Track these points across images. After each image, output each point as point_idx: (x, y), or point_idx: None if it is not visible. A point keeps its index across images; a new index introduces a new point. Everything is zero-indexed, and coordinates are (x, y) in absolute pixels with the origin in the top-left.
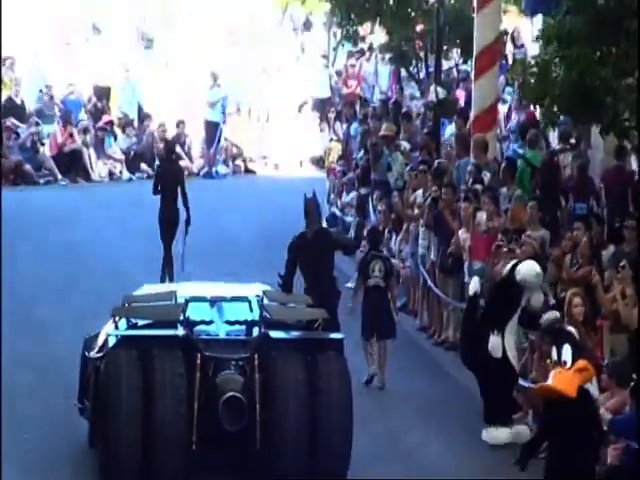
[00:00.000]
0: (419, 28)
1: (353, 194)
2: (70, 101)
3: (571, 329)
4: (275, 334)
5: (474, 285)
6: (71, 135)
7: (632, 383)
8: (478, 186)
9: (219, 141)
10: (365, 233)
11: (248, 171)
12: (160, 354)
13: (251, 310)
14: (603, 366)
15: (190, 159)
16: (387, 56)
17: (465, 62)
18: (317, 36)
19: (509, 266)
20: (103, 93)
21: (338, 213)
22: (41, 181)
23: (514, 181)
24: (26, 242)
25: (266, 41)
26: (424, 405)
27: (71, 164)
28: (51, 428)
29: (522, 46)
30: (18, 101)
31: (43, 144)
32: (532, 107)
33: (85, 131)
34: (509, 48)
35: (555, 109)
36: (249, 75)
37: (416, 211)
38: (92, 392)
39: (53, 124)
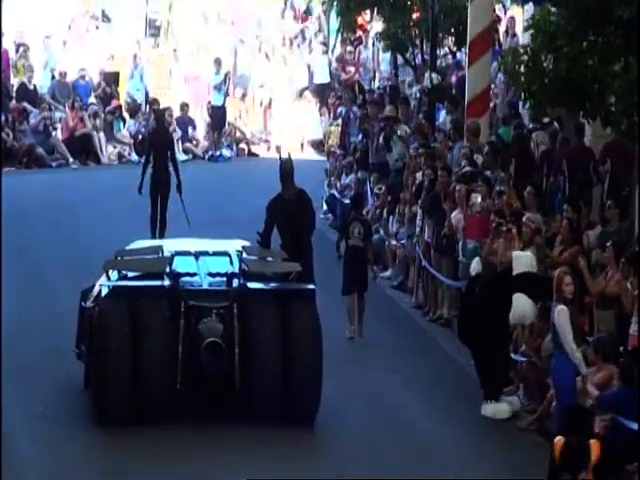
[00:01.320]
0: (415, 16)
1: (352, 177)
2: (80, 86)
3: None
4: (253, 285)
5: (475, 266)
6: (82, 119)
7: (619, 359)
8: (468, 169)
9: (223, 125)
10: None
11: (251, 154)
12: (148, 303)
13: (231, 263)
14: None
15: (195, 143)
16: (384, 43)
17: (459, 49)
18: (317, 24)
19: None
20: (112, 79)
21: (337, 195)
22: (53, 164)
23: (499, 165)
24: (40, 220)
25: (268, 29)
26: (418, 378)
27: (82, 148)
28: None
29: (515, 35)
30: (31, 86)
31: (55, 128)
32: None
33: (95, 116)
34: (503, 35)
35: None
36: (252, 62)
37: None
38: (87, 338)
39: (65, 109)
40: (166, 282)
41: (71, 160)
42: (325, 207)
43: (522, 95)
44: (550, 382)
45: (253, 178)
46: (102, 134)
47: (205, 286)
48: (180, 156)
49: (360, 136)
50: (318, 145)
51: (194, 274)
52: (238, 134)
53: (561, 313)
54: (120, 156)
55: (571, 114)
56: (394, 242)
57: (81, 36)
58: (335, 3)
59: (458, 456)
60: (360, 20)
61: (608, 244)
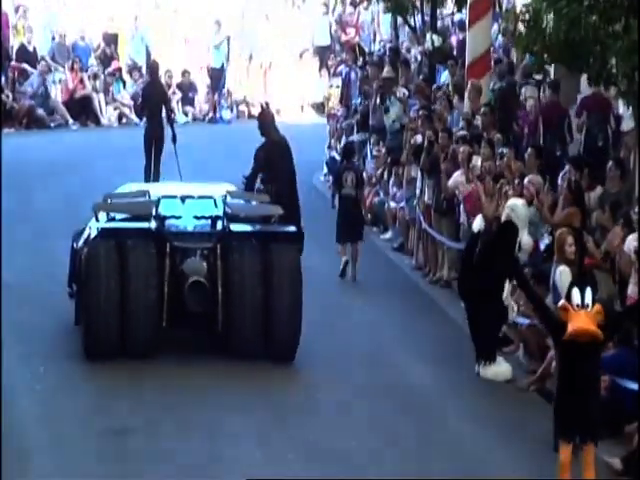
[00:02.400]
0: None
1: (353, 138)
2: (80, 48)
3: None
4: (236, 227)
5: (478, 223)
6: (81, 81)
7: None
8: (463, 132)
9: (223, 87)
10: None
11: (251, 116)
12: (134, 244)
13: (216, 207)
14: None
15: (195, 105)
16: (384, 5)
17: (459, 10)
18: None
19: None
20: (112, 40)
21: (337, 157)
22: (52, 125)
23: (495, 126)
24: (40, 178)
25: None
26: (414, 334)
27: (82, 109)
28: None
29: None
30: (30, 48)
31: (54, 89)
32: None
33: (95, 77)
34: None
35: (545, 57)
36: (252, 23)
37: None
38: (77, 277)
39: (64, 70)
40: (152, 224)
41: (71, 121)
42: (325, 169)
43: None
44: (550, 343)
45: (252, 140)
46: (102, 95)
47: (190, 228)
48: (180, 118)
49: (360, 98)
50: (319, 107)
51: (179, 217)
52: (238, 97)
53: (563, 274)
54: (120, 117)
55: (571, 74)
56: (394, 204)
57: None
58: None
59: (453, 411)
60: None
61: (607, 206)
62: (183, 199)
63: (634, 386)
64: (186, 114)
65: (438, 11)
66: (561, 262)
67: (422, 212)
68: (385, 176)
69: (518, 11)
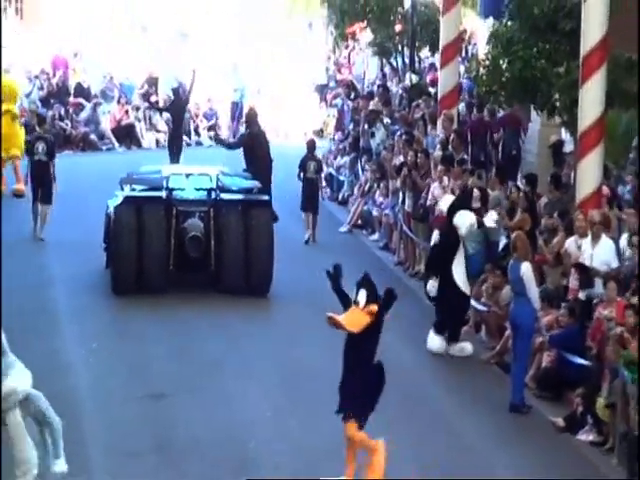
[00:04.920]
0: (397, 28)
1: (346, 158)
2: (125, 85)
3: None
4: (225, 196)
5: (435, 236)
6: (126, 112)
7: (562, 304)
8: (440, 153)
9: (240, 116)
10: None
11: None
12: (149, 208)
13: (211, 181)
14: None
15: (218, 131)
16: (372, 50)
17: (433, 55)
18: (318, 35)
19: (445, 206)
20: (152, 81)
21: (334, 173)
22: (103, 148)
23: (462, 147)
24: (93, 187)
25: (279, 39)
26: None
27: (126, 135)
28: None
29: (475, 44)
30: (85, 85)
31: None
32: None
33: (137, 109)
34: (466, 44)
35: (501, 95)
36: (265, 65)
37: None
38: (108, 234)
39: (112, 103)
40: (163, 194)
41: (117, 145)
42: (324, 183)
43: (484, 93)
44: (507, 324)
45: None
46: (142, 124)
47: (191, 197)
48: (205, 141)
49: (352, 125)
50: (318, 132)
51: (183, 189)
52: None
53: (529, 269)
54: (157, 141)
55: (523, 107)
56: (380, 211)
57: (124, 44)
58: (332, 17)
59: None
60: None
61: (555, 214)
62: (187, 176)
63: (576, 360)
64: (211, 138)
65: (416, 55)
66: (521, 259)
67: (403, 218)
68: (373, 188)
69: (480, 57)
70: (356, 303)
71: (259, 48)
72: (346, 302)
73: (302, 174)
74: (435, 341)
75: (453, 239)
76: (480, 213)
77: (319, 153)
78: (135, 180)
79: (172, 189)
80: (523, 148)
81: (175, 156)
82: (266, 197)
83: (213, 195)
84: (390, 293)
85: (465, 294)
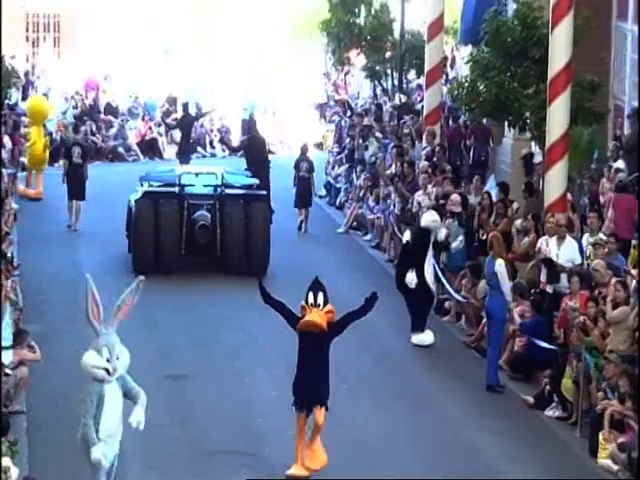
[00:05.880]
0: (387, 54)
1: (343, 168)
2: (149, 104)
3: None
4: (229, 191)
5: (406, 236)
6: (150, 128)
7: (531, 297)
8: (426, 163)
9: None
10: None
11: (270, 152)
12: (164, 202)
13: (217, 179)
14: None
15: (229, 142)
16: (366, 73)
17: (419, 77)
18: (318, 59)
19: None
20: (172, 100)
21: (332, 181)
22: (129, 159)
23: (445, 158)
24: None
25: (284, 63)
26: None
27: (150, 148)
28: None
29: (456, 68)
30: (114, 105)
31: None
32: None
33: (159, 125)
34: (448, 67)
35: (479, 113)
36: (271, 86)
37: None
38: (129, 224)
39: (138, 120)
40: (176, 189)
41: (142, 156)
42: (324, 190)
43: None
44: (484, 314)
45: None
46: (164, 138)
47: (200, 192)
48: (219, 153)
49: (348, 139)
50: (318, 145)
51: (193, 185)
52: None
53: (502, 265)
54: (179, 159)
55: (498, 123)
56: (373, 215)
57: (148, 66)
58: (330, 44)
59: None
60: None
61: (529, 216)
62: (196, 174)
63: (544, 345)
64: (224, 150)
65: (404, 77)
66: (496, 256)
67: (393, 220)
68: (367, 194)
69: (460, 79)
70: (317, 306)
71: (266, 72)
72: (281, 307)
73: (296, 173)
74: (419, 337)
75: (424, 242)
76: (461, 217)
77: (320, 162)
78: (152, 177)
79: (184, 185)
80: (498, 160)
81: (183, 162)
82: (264, 192)
83: (219, 190)
84: (374, 296)
85: (431, 290)
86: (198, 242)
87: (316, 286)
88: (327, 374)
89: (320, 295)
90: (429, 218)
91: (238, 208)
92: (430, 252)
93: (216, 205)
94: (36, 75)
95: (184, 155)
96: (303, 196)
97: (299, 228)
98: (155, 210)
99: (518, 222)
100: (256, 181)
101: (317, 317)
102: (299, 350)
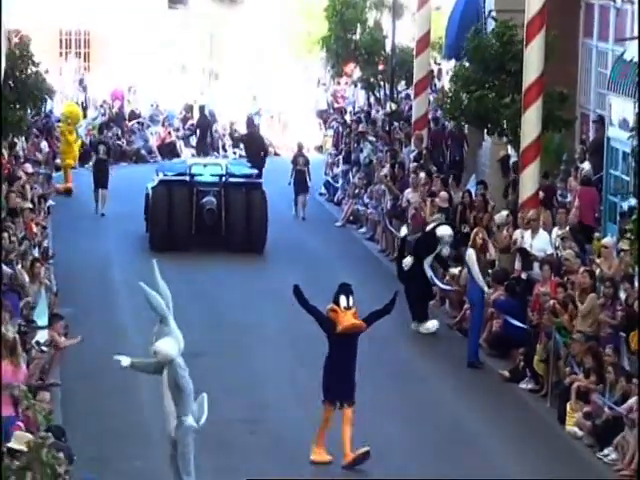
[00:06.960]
0: (380, 67)
1: (340, 168)
2: (168, 112)
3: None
4: (232, 180)
5: (404, 230)
6: (169, 133)
7: (505, 283)
8: (415, 164)
9: None
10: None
11: (276, 154)
12: (177, 189)
13: (222, 169)
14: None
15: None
16: (361, 84)
17: (408, 87)
18: (318, 71)
19: (432, 225)
20: (189, 108)
21: (331, 180)
22: (151, 161)
23: (431, 161)
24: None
25: (288, 75)
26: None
27: (169, 151)
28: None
29: (442, 80)
30: (138, 112)
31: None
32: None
33: (177, 130)
34: (435, 79)
35: (462, 120)
36: (276, 95)
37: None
38: (147, 208)
39: (158, 126)
40: (187, 178)
41: (161, 158)
42: (323, 188)
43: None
44: (465, 300)
45: (274, 167)
46: (182, 142)
47: (207, 180)
48: (230, 155)
49: (345, 142)
50: (318, 148)
51: (202, 174)
52: (267, 141)
53: (471, 255)
54: (192, 156)
55: (478, 130)
56: (367, 210)
57: (168, 81)
58: (329, 58)
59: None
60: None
61: (506, 212)
62: (204, 165)
63: (519, 324)
64: (234, 152)
65: (394, 88)
66: (471, 247)
67: (385, 215)
68: (362, 192)
69: (445, 89)
70: (348, 308)
71: (272, 82)
72: (316, 312)
73: (294, 167)
74: (425, 326)
75: (430, 247)
76: (448, 212)
77: (320, 163)
78: (166, 168)
79: (193, 174)
80: (479, 161)
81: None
82: (261, 180)
83: (223, 179)
84: (396, 295)
85: (430, 284)
86: (206, 223)
87: (347, 289)
88: (355, 370)
89: (351, 298)
90: (447, 232)
91: (240, 194)
92: (431, 257)
93: (221, 192)
94: (67, 86)
95: (201, 153)
96: (301, 184)
97: (295, 214)
98: (169, 196)
99: (497, 217)
100: (255, 171)
101: (354, 319)
102: (333, 350)
